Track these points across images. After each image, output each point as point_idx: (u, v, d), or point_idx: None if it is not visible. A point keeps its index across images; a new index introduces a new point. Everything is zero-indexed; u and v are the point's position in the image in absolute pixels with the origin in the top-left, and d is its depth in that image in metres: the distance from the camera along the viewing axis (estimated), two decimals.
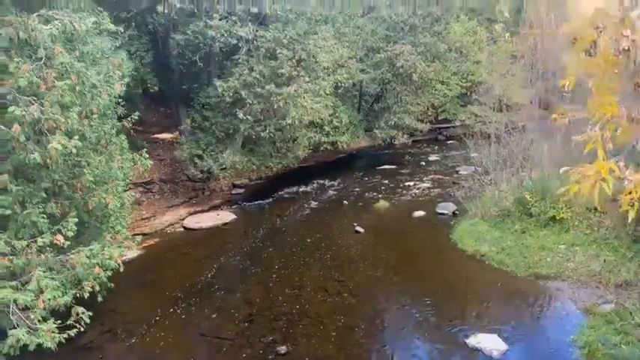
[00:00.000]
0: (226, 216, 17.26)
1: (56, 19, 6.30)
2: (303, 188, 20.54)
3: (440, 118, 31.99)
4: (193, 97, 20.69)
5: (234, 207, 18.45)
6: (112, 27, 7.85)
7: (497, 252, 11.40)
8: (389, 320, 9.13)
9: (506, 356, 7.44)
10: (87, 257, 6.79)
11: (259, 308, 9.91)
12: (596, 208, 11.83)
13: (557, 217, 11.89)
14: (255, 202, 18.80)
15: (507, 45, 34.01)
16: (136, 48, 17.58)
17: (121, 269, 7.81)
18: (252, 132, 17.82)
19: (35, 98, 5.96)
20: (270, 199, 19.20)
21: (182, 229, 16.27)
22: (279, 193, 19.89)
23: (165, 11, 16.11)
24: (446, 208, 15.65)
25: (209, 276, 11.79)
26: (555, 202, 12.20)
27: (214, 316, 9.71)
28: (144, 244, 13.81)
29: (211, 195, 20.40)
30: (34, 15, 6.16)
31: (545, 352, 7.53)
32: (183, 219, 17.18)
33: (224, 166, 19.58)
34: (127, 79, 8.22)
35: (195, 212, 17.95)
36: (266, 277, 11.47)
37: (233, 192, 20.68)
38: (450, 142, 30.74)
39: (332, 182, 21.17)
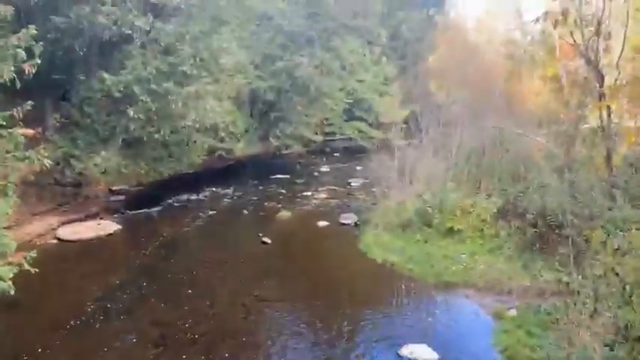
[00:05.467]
0: (109, 226, 15.29)
1: None
2: (194, 196, 19.26)
3: (326, 131, 32.95)
4: (67, 90, 18.05)
5: (115, 216, 16.47)
6: None
7: (405, 261, 11.87)
8: (318, 335, 8.81)
9: None
10: None
11: (172, 330, 8.80)
12: (485, 220, 13.16)
13: (455, 228, 12.90)
14: (142, 211, 17.03)
15: (387, 67, 36.73)
16: None
17: (12, 292, 6.25)
18: (143, 133, 16.10)
19: None
20: (159, 208, 17.59)
21: (56, 241, 13.97)
22: (168, 201, 18.34)
23: None
24: (348, 218, 15.95)
25: (102, 296, 10.20)
26: (452, 214, 13.26)
27: (118, 342, 8.35)
28: (9, 259, 11.43)
29: (86, 202, 17.96)
30: None
31: (471, 358, 7.95)
32: (56, 229, 14.83)
33: (104, 170, 17.37)
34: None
35: (70, 221, 15.62)
36: (172, 295, 10.29)
37: (112, 199, 18.52)
38: (336, 154, 31.84)
39: (226, 190, 20.23)
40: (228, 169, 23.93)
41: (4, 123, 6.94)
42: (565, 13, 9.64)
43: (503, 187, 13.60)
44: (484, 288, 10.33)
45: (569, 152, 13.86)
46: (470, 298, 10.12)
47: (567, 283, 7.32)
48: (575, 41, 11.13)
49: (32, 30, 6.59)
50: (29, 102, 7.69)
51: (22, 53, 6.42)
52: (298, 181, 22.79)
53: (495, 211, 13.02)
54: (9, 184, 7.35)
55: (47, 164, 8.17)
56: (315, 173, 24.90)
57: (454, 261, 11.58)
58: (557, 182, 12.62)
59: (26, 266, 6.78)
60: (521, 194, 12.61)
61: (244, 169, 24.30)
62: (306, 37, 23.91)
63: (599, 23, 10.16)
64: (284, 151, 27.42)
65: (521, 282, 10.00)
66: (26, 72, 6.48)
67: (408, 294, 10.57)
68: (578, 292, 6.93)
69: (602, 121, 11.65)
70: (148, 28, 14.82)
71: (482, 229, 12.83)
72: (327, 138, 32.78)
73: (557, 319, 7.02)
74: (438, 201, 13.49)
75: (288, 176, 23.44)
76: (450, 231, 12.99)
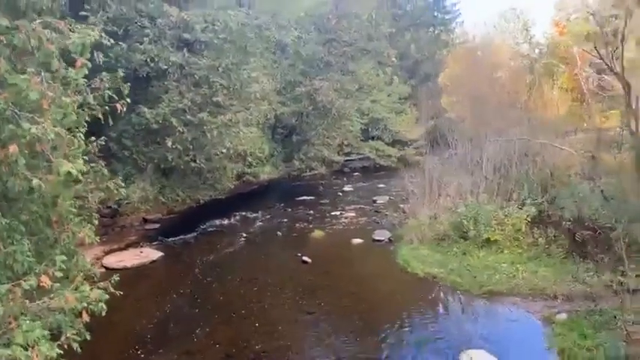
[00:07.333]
0: (151, 253, 15.81)
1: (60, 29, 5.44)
2: (227, 221, 19.76)
3: (345, 151, 33.63)
4: (104, 123, 18.88)
5: (154, 243, 16.98)
6: (108, 42, 6.93)
7: (447, 273, 12.17)
8: (376, 344, 9.13)
9: None
10: (78, 301, 5.74)
11: (234, 349, 9.17)
12: (520, 230, 13.48)
13: (492, 239, 13.23)
14: (178, 238, 17.53)
15: (400, 86, 37.51)
16: None
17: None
18: (180, 162, 16.75)
19: (37, 115, 5.01)
20: (194, 234, 18.10)
21: (104, 270, 14.41)
22: (202, 226, 18.86)
23: None
24: (381, 235, 16.32)
25: (160, 319, 10.62)
26: (488, 225, 13.59)
27: None
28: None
29: (122, 231, 18.59)
30: (37, 22, 5.23)
31: None
32: (101, 258, 15.34)
33: (141, 200, 18.01)
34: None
35: (112, 250, 16.17)
36: (227, 315, 10.69)
37: (147, 227, 19.09)
38: (356, 174, 32.46)
39: (255, 214, 20.71)
40: (255, 192, 24.52)
41: (87, 158, 7.54)
42: (616, 35, 10.19)
43: (534, 197, 13.96)
44: (530, 295, 10.58)
45: (595, 159, 14.27)
46: (517, 305, 10.38)
47: (621, 283, 7.65)
48: (599, 53, 11.66)
49: (120, 73, 7.23)
50: (103, 137, 8.34)
51: (109, 92, 7.04)
52: (324, 201, 23.26)
53: (529, 220, 13.36)
54: (93, 214, 7.90)
55: (123, 193, 8.71)
56: (339, 193, 25.39)
57: (495, 271, 11.88)
58: (587, 189, 12.99)
59: (111, 289, 7.21)
60: (555, 201, 12.97)
61: (270, 193, 24.87)
62: (324, 62, 24.80)
63: (622, 36, 10.69)
64: (306, 173, 28.04)
65: (567, 287, 10.29)
66: (118, 110, 7.08)
67: (456, 304, 10.87)
68: (633, 290, 7.26)
69: (629, 127, 12.06)
70: (182, 63, 15.63)
71: (518, 239, 13.15)
72: (346, 158, 33.44)
73: (615, 316, 7.31)
74: (472, 213, 13.84)
75: (312, 197, 23.95)
76: (487, 242, 13.32)
